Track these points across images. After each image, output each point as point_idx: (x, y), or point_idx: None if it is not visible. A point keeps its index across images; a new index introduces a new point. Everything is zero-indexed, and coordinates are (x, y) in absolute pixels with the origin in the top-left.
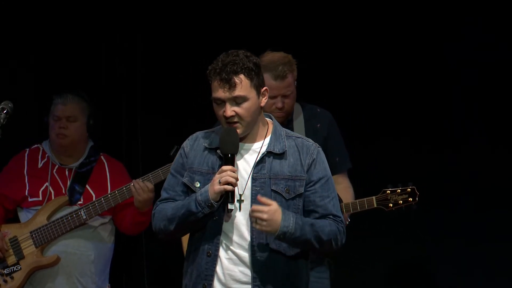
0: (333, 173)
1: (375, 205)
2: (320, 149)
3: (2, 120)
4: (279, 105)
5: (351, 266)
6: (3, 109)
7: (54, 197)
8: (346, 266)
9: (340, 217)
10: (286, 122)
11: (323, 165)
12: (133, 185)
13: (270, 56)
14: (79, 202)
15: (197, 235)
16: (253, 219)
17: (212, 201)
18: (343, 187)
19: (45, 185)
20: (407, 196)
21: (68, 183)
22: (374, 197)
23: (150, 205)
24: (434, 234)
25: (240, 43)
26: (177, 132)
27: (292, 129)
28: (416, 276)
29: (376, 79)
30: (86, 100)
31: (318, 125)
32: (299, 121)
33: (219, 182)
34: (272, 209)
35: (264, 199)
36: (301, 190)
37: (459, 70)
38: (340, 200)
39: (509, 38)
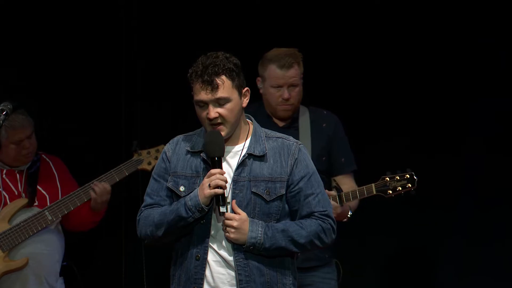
0: (339, 173)
1: (375, 192)
2: (301, 146)
3: (1, 121)
4: (286, 95)
5: (350, 265)
6: (2, 110)
7: (9, 201)
8: (345, 264)
9: (326, 212)
10: (291, 121)
11: (304, 163)
12: (94, 188)
13: (276, 50)
14: (35, 204)
15: (183, 240)
16: (223, 227)
17: (202, 205)
18: (347, 188)
19: None
20: (406, 182)
21: (20, 185)
22: (373, 184)
23: (106, 206)
24: (434, 234)
25: (238, 39)
26: (177, 131)
27: (297, 129)
28: (416, 276)
29: (376, 79)
30: (22, 107)
31: (324, 125)
32: (304, 121)
33: (209, 186)
34: (242, 218)
35: (235, 207)
36: (282, 191)
37: (459, 70)
38: (340, 190)
39: (509, 39)
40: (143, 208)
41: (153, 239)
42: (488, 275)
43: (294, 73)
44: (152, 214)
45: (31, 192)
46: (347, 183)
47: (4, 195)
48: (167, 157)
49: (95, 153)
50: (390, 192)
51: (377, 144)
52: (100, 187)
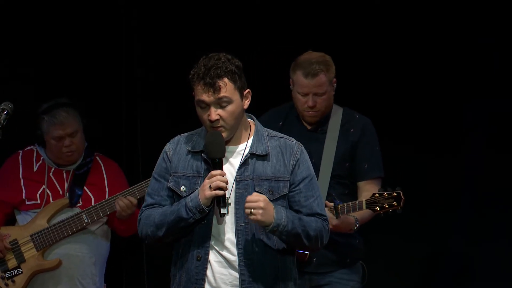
0: (360, 179)
1: (364, 208)
2: (303, 148)
3: (2, 121)
4: (310, 103)
5: None
6: (3, 109)
7: (52, 199)
8: None
9: (325, 215)
10: (320, 122)
11: (306, 164)
12: (118, 202)
13: (307, 55)
14: (79, 205)
15: (184, 240)
16: (248, 210)
17: (203, 206)
18: (368, 195)
19: (42, 188)
20: (392, 200)
21: (66, 185)
22: (364, 200)
23: (131, 216)
24: (433, 234)
25: (238, 40)
26: (178, 132)
27: (325, 131)
28: (415, 276)
29: (375, 80)
30: (74, 105)
31: (352, 130)
32: (334, 123)
33: (210, 187)
34: (266, 199)
35: (256, 193)
36: (286, 191)
37: (459, 70)
38: (337, 202)
39: (509, 39)
40: (144, 208)
41: (153, 239)
42: (488, 275)
43: (320, 81)
44: (153, 214)
45: (75, 193)
46: (369, 189)
47: (47, 193)
48: (167, 156)
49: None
50: (378, 209)
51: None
52: (125, 202)
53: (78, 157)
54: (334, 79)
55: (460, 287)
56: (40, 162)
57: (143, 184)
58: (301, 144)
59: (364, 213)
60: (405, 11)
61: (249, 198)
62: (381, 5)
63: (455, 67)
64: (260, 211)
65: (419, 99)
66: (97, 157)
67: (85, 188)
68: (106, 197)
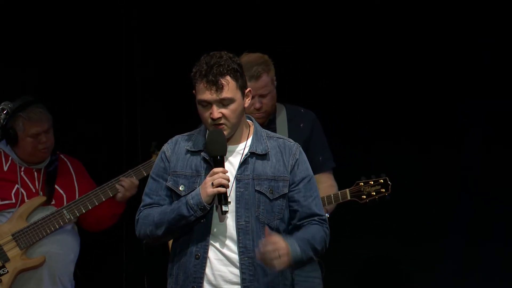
0: (317, 172)
1: (349, 198)
2: (301, 149)
3: (2, 121)
4: (257, 105)
5: (348, 264)
6: (3, 109)
7: (27, 198)
8: (342, 264)
9: (323, 216)
10: (268, 122)
11: (305, 165)
12: (121, 183)
13: (246, 58)
14: (52, 203)
15: (182, 238)
16: (268, 260)
17: (205, 204)
18: (327, 186)
19: (16, 187)
20: (379, 187)
21: (37, 183)
22: (347, 190)
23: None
24: (432, 234)
25: (238, 39)
26: (178, 131)
27: (274, 129)
28: (414, 276)
29: (376, 79)
30: (42, 102)
31: (301, 125)
32: (281, 121)
33: (212, 185)
34: (281, 240)
35: (268, 235)
36: (285, 190)
37: (459, 70)
38: None
39: (509, 39)
40: (142, 208)
41: (152, 238)
42: (487, 275)
43: (263, 83)
44: (152, 214)
45: (49, 191)
46: (326, 181)
47: (22, 192)
48: (166, 156)
49: (96, 154)
50: (364, 197)
51: (377, 144)
52: (128, 182)
53: (49, 154)
54: (274, 78)
55: (458, 286)
56: (10, 161)
57: (131, 173)
58: (299, 145)
59: (332, 205)
60: (402, 12)
61: (269, 243)
62: (380, 5)
63: (451, 67)
64: (285, 259)
65: (415, 99)
66: (61, 155)
67: (55, 186)
68: (76, 193)
